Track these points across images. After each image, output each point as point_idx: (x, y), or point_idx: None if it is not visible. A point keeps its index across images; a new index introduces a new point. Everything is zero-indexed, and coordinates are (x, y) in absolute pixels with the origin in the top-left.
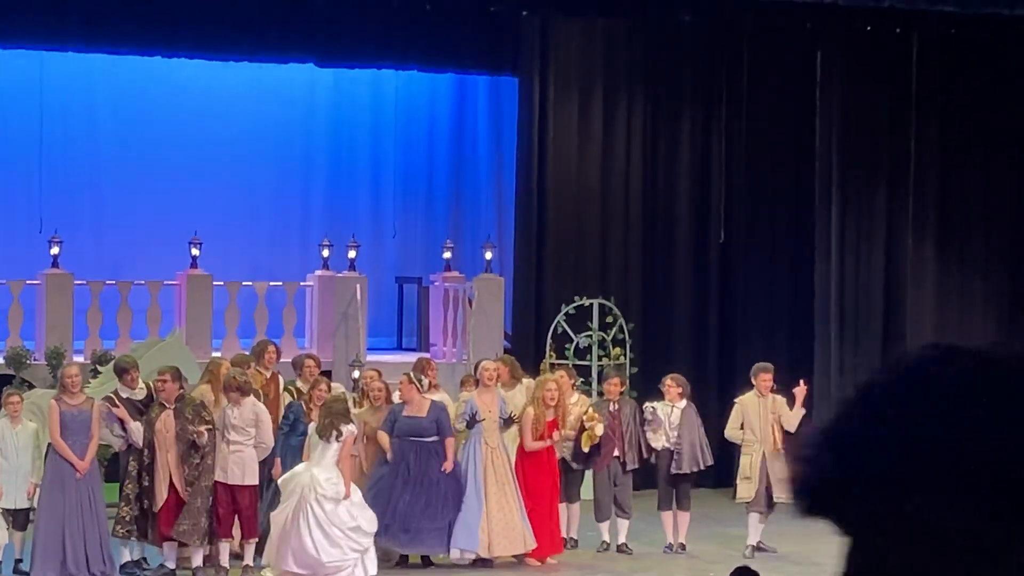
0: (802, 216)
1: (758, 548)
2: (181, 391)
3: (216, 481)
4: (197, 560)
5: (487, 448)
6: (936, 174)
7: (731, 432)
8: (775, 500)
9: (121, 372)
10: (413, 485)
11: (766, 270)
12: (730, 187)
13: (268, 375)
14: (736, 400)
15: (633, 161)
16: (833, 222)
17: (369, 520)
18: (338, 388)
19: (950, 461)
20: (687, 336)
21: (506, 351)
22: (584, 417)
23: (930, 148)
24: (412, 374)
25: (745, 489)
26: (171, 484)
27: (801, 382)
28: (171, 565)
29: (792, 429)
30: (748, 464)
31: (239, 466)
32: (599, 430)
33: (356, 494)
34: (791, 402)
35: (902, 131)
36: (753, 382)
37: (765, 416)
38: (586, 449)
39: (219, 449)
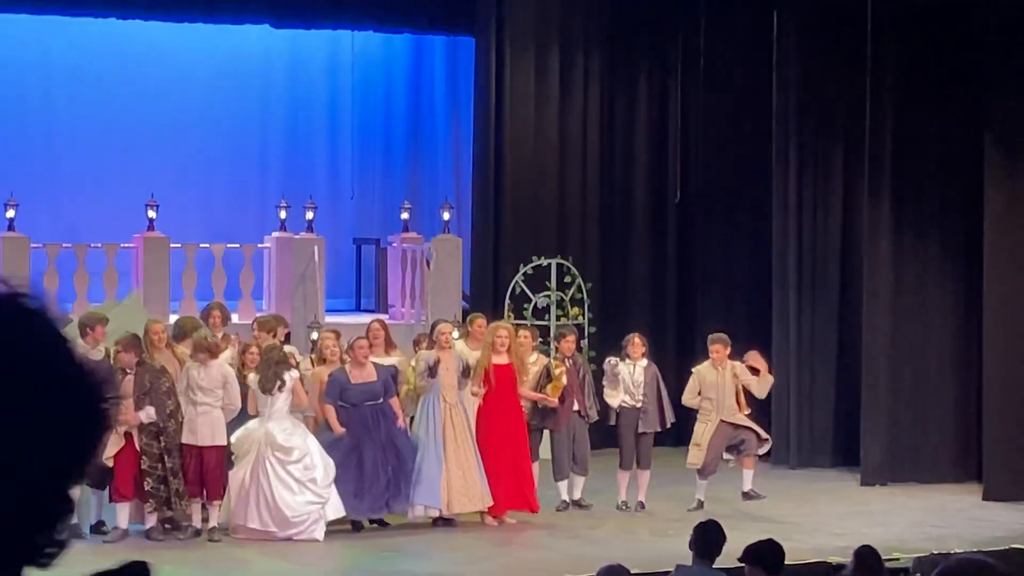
0: (760, 176)
1: (747, 495)
2: (142, 355)
3: (183, 443)
4: (151, 521)
5: (446, 405)
6: (891, 133)
7: (688, 399)
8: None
9: (84, 327)
10: (381, 450)
11: (724, 230)
12: (687, 148)
13: (220, 335)
14: (693, 369)
15: (590, 122)
16: (790, 182)
17: (328, 468)
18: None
19: None
20: (645, 296)
21: (464, 311)
22: (551, 366)
23: (885, 107)
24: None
25: (694, 456)
26: (131, 446)
27: (750, 353)
28: (123, 525)
29: (763, 396)
30: (701, 432)
31: (208, 427)
32: (564, 378)
33: (313, 443)
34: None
35: (859, 90)
36: (709, 353)
37: (722, 385)
38: (555, 398)
39: (185, 411)
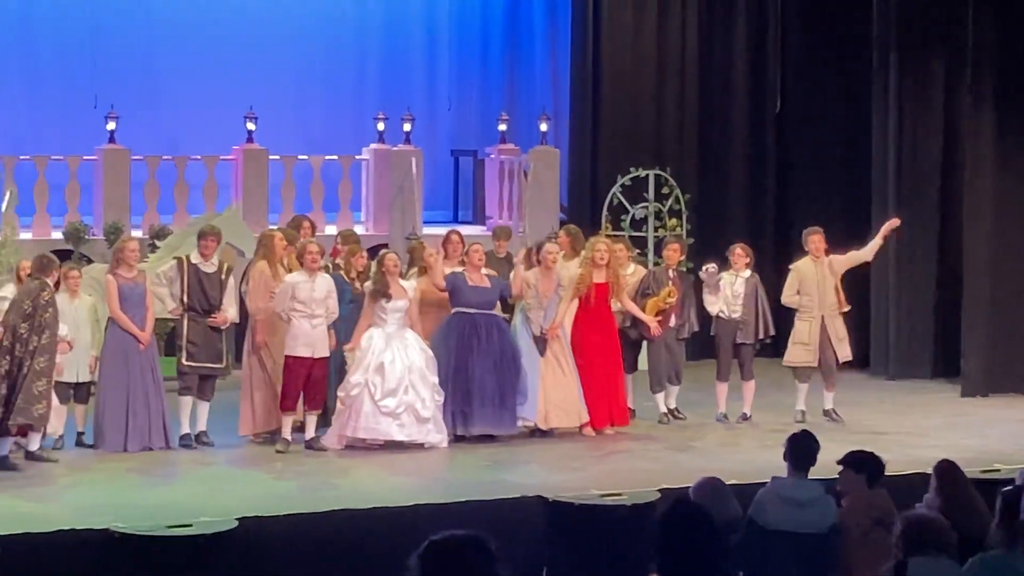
0: (859, 86)
1: (828, 415)
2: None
3: (296, 356)
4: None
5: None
6: (994, 37)
7: (787, 298)
8: (841, 360)
9: (200, 236)
10: (492, 360)
11: (823, 140)
12: (786, 56)
13: None
14: (791, 266)
15: (688, 30)
16: (890, 91)
17: (435, 383)
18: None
19: None
20: (743, 206)
21: (562, 223)
22: (663, 295)
23: (988, 9)
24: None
25: (797, 353)
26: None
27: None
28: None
29: (870, 258)
30: (805, 330)
31: (322, 340)
32: (672, 299)
33: (427, 352)
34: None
35: None
36: (805, 247)
37: (822, 280)
38: (652, 316)
39: (297, 324)
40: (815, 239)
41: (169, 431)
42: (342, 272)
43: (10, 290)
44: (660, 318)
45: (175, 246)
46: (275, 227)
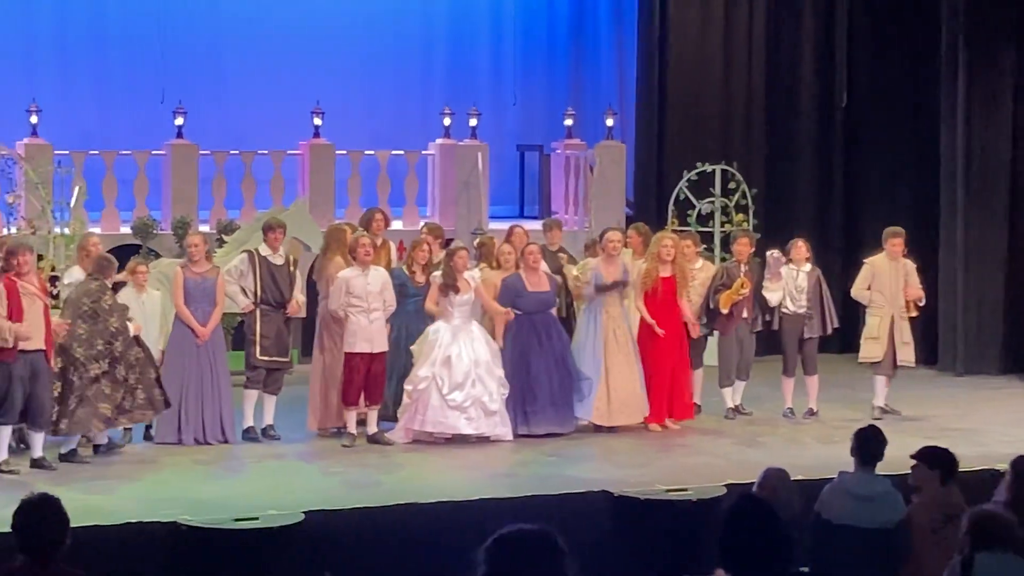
0: (927, 77)
1: (884, 411)
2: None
3: (357, 352)
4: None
5: (608, 317)
6: None
7: (858, 292)
8: (900, 363)
9: (267, 229)
10: (553, 361)
11: (890, 133)
12: (853, 48)
13: (379, 242)
14: (866, 261)
15: (755, 24)
16: (959, 82)
17: (503, 380)
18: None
19: None
20: (810, 201)
21: (628, 219)
22: (736, 287)
23: None
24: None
25: (870, 349)
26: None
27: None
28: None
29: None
30: (876, 325)
31: (380, 334)
32: (744, 291)
33: (493, 345)
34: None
35: None
36: (884, 244)
37: (896, 279)
38: (724, 310)
39: (355, 320)
40: (895, 241)
41: (228, 426)
42: (404, 267)
43: (76, 273)
44: (732, 311)
45: (242, 241)
46: (343, 221)
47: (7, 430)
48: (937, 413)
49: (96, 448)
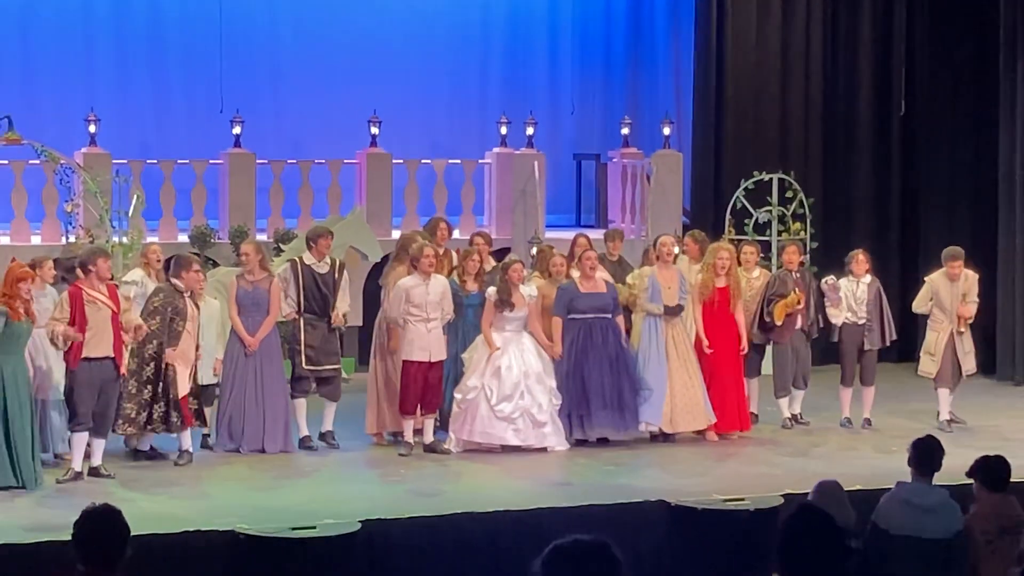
0: (986, 87)
1: (950, 422)
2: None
3: (415, 360)
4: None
5: (668, 325)
6: None
7: (920, 305)
8: (965, 374)
9: (311, 239)
10: (608, 365)
11: (949, 143)
12: (911, 58)
13: (441, 251)
14: (927, 279)
15: (813, 34)
16: (1018, 92)
17: (554, 392)
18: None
19: None
20: (868, 210)
21: (685, 227)
22: (791, 300)
23: None
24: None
25: (926, 364)
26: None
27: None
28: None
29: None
30: (934, 341)
31: (438, 343)
32: (799, 303)
33: (544, 356)
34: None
35: None
36: (944, 264)
37: (955, 298)
38: (779, 322)
39: (413, 329)
40: (954, 264)
41: (285, 434)
42: (455, 276)
43: (138, 274)
44: (786, 322)
45: (300, 250)
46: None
47: (81, 437)
48: (995, 423)
49: (136, 453)
